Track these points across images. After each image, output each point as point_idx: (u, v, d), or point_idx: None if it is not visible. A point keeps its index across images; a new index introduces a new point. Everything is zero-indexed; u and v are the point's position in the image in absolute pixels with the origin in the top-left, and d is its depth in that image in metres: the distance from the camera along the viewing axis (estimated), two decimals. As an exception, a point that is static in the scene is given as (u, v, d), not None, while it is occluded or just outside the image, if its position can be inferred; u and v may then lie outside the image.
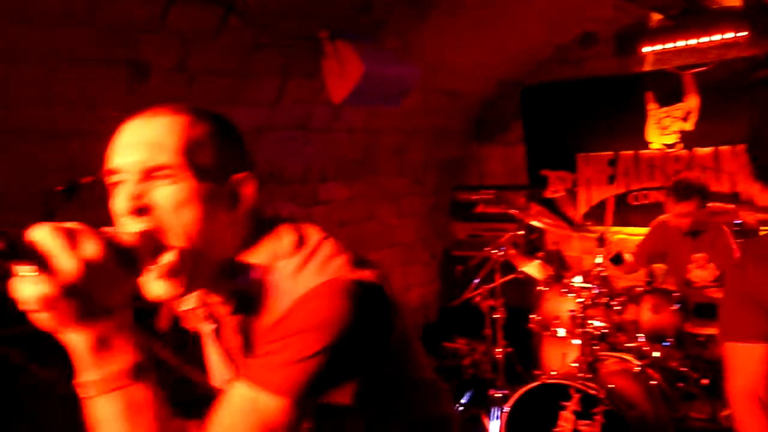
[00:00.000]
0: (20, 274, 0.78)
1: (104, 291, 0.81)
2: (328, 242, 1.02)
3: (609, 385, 2.65)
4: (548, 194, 4.88)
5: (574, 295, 3.07)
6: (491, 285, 3.60)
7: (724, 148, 4.13)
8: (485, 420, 3.47)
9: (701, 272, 3.44)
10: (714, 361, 2.98)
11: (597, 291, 3.03)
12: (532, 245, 4.57)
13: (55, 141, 2.62)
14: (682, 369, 3.04)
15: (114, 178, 0.95)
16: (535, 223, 3.63)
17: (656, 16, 4.16)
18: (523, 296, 3.91)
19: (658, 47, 4.18)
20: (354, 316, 0.92)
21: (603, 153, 4.65)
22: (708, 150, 4.21)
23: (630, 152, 4.54)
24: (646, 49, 4.23)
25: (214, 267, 0.99)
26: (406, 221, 4.88)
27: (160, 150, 0.92)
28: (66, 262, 0.78)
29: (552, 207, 4.56)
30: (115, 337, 0.84)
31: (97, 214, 0.99)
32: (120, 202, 0.92)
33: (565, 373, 2.84)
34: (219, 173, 0.97)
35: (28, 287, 0.78)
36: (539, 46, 4.58)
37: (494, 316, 3.57)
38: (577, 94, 4.68)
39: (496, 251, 3.51)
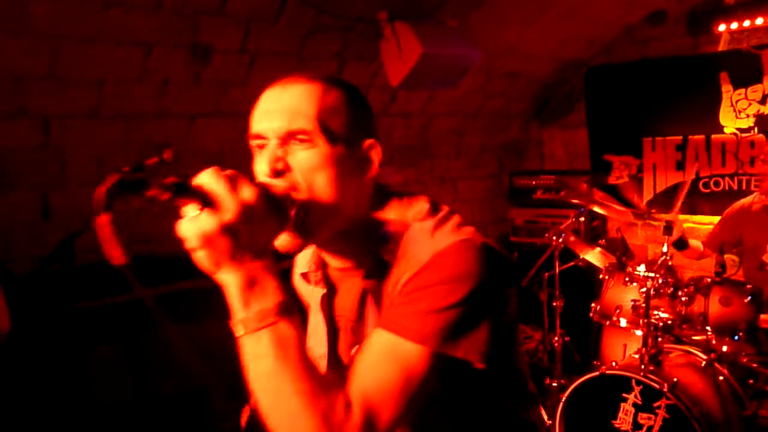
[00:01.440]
0: (186, 212, 0.88)
1: (255, 232, 0.90)
2: (457, 213, 1.10)
3: (673, 379, 2.56)
4: (612, 180, 4.72)
5: (638, 284, 2.96)
6: (550, 272, 3.52)
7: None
8: (540, 408, 3.42)
9: None
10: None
11: (662, 281, 2.91)
12: (594, 233, 4.45)
13: (130, 122, 2.71)
14: (753, 365, 2.90)
15: (257, 142, 1.03)
16: (597, 209, 3.52)
17: (732, -7, 3.96)
18: (582, 284, 3.81)
19: (735, 25, 3.97)
20: (489, 274, 0.97)
21: (671, 137, 4.45)
22: (787, 135, 3.99)
23: (701, 136, 4.33)
24: (721, 28, 4.02)
25: (343, 227, 1.06)
26: (462, 206, 4.83)
27: (297, 116, 1.00)
28: (226, 202, 0.87)
29: (615, 193, 4.40)
30: (263, 277, 0.91)
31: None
32: (261, 164, 1.01)
33: (626, 365, 2.75)
34: (350, 139, 1.04)
35: (191, 225, 0.87)
36: (607, 26, 4.40)
37: (552, 304, 3.51)
38: (645, 75, 4.48)
39: (556, 238, 3.43)
